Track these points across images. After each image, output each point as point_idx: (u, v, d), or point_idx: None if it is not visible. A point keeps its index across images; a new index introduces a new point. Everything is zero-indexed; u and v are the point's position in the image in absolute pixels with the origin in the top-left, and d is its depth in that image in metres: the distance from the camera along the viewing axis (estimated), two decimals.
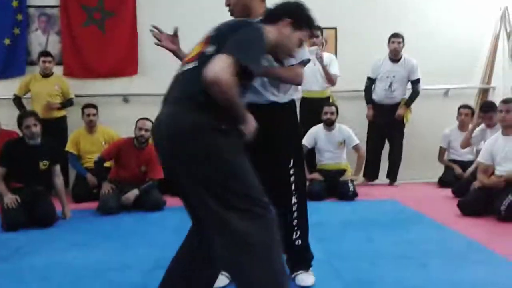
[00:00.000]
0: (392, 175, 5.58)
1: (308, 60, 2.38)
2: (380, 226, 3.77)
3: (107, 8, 5.66)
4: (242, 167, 1.75)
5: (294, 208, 2.38)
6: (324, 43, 5.39)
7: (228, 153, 1.73)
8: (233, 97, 1.65)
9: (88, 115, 5.10)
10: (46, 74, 5.25)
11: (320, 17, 5.89)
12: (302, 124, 5.32)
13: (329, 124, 5.03)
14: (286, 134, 2.38)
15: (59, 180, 4.12)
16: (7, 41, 5.54)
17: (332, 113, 5.00)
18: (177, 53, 2.36)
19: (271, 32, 1.94)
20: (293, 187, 2.38)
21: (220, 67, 1.59)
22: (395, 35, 5.30)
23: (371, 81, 5.48)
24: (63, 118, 5.35)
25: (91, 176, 4.91)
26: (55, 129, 5.09)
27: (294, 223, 2.39)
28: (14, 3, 5.55)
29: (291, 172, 2.37)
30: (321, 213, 4.19)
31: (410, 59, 5.38)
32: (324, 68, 5.17)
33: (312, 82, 5.21)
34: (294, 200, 2.38)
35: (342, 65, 5.64)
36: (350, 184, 4.87)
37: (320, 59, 5.06)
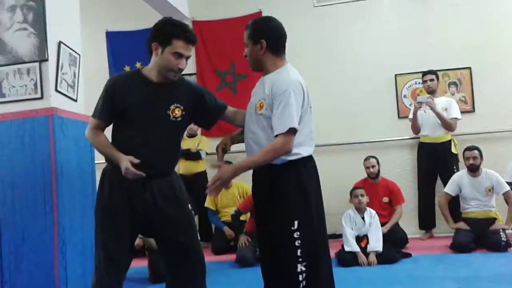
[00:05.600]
0: None
1: (294, 130, 2.07)
2: None
3: (238, 71, 6.06)
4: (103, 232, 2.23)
5: (301, 277, 2.10)
6: (457, 85, 5.13)
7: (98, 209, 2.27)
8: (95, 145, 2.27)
9: None
10: (191, 135, 5.68)
11: (453, 58, 5.73)
12: (420, 169, 5.31)
13: (473, 170, 4.66)
14: (286, 194, 2.15)
15: None
16: None
17: (475, 158, 4.63)
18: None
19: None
20: (298, 252, 2.10)
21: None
22: None
23: None
24: (203, 173, 5.64)
25: (228, 229, 5.11)
26: (197, 184, 5.43)
27: None
28: None
29: (295, 235, 2.11)
30: (470, 267, 3.85)
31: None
32: (437, 115, 4.97)
33: (428, 127, 5.12)
34: (300, 268, 2.10)
35: (480, 105, 5.33)
36: (502, 234, 4.39)
37: (429, 106, 4.93)
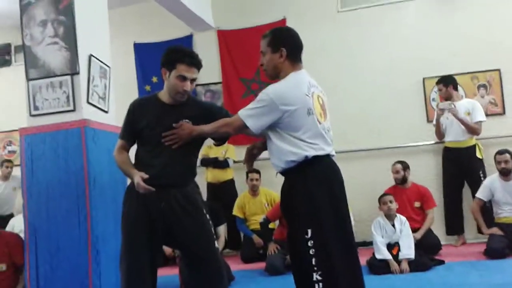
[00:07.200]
0: None
1: (244, 123, 2.19)
2: None
3: (264, 79, 6.06)
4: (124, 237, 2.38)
5: (317, 287, 2.07)
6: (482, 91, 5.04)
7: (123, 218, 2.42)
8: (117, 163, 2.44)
9: (252, 179, 5.36)
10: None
11: (481, 60, 5.63)
12: (446, 174, 5.20)
13: (506, 174, 4.55)
14: (296, 202, 2.18)
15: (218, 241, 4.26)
16: None
17: (506, 161, 4.52)
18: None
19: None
20: (313, 261, 2.09)
21: None
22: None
23: None
24: (231, 181, 5.68)
25: (257, 237, 5.10)
26: (225, 192, 5.50)
27: None
28: None
29: (309, 244, 2.10)
30: (506, 273, 3.75)
31: None
32: (461, 121, 4.87)
33: (452, 133, 5.03)
34: (316, 277, 2.08)
35: (510, 107, 5.30)
36: None
37: (451, 112, 4.85)
